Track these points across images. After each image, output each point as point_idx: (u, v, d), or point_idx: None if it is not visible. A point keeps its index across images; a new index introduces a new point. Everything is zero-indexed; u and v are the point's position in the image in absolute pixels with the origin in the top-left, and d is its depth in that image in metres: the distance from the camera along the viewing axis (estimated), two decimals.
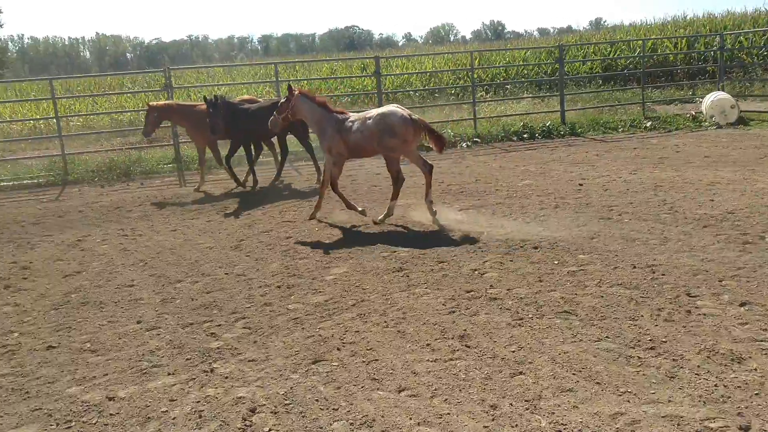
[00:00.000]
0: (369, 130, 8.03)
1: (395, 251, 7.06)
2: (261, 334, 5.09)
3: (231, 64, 40.76)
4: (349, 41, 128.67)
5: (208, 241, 8.07)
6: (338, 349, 4.73)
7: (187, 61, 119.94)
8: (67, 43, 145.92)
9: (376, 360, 4.50)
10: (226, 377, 4.40)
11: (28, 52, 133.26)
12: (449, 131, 15.73)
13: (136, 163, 14.11)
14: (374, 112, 8.25)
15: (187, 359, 4.72)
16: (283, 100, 8.59)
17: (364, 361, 4.49)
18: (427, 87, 24.51)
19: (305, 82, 25.27)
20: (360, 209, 8.64)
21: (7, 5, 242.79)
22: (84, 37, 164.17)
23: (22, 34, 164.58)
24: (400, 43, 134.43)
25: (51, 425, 3.93)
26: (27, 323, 5.69)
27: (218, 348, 4.89)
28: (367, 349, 4.68)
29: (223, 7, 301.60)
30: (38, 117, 22.29)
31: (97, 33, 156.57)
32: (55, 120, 14.87)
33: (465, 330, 4.89)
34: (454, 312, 5.27)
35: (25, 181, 13.57)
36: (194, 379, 4.41)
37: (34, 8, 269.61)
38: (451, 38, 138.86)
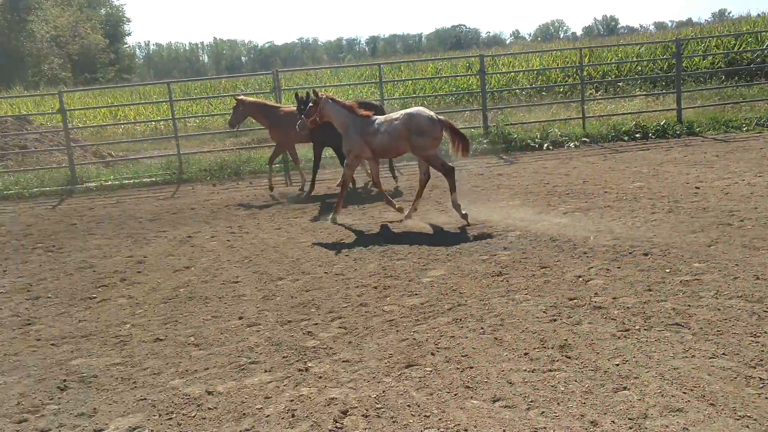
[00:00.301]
0: (397, 130, 8.31)
1: (495, 254, 6.89)
2: (356, 335, 5.10)
3: (337, 66, 41.63)
4: (456, 40, 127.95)
5: (310, 240, 8.21)
6: (432, 354, 4.65)
7: (297, 63, 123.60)
8: (187, 48, 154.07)
9: (471, 367, 4.38)
10: (320, 377, 4.43)
11: (153, 57, 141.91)
12: (556, 130, 15.24)
13: (246, 163, 14.63)
14: (400, 113, 8.54)
15: (284, 357, 4.80)
16: (311, 104, 8.89)
17: (458, 368, 4.39)
18: (534, 85, 23.91)
19: (410, 82, 25.34)
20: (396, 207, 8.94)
21: (135, 15, 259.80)
22: (203, 42, 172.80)
23: (148, 41, 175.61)
24: (508, 41, 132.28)
25: (154, 416, 4.10)
26: (138, 315, 6.00)
27: (314, 347, 4.93)
28: (462, 356, 4.57)
29: (332, 9, 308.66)
30: (159, 118, 23.63)
31: (215, 38, 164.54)
32: (172, 121, 15.67)
33: (566, 340, 4.67)
34: (555, 320, 5.05)
35: (144, 180, 14.39)
36: (289, 377, 4.47)
37: (159, 17, 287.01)
38: (561, 35, 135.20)
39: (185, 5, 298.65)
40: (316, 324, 5.39)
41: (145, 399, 4.32)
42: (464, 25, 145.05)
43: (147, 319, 5.86)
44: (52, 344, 5.42)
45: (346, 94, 26.53)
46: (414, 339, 4.92)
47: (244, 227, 9.29)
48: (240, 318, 5.69)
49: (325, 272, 6.81)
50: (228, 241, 8.57)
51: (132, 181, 14.36)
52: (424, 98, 23.33)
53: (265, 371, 4.59)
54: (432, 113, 8.40)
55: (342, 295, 6.06)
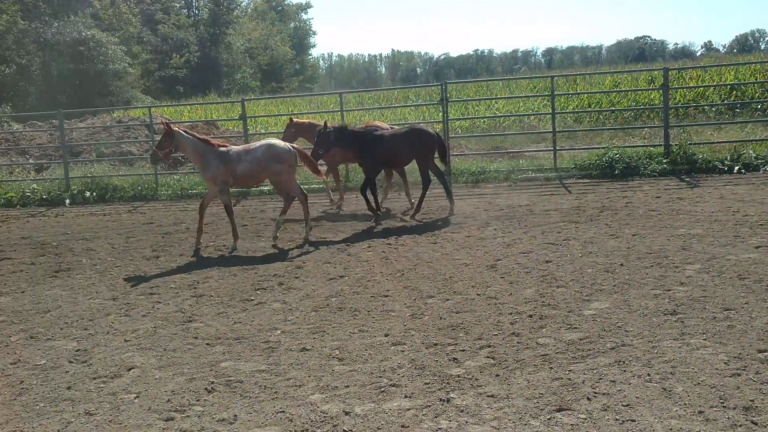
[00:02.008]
0: (258, 159, 9.14)
1: (669, 290, 6.16)
2: (505, 368, 4.73)
3: (509, 78, 40.92)
4: (639, 52, 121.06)
5: (465, 258, 7.92)
6: (588, 398, 4.17)
7: (471, 75, 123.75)
8: (366, 59, 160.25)
9: (633, 420, 3.86)
10: (462, 411, 4.13)
11: (334, 68, 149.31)
12: (750, 152, 13.64)
13: (409, 174, 14.57)
14: (258, 144, 9.43)
15: (426, 383, 4.55)
16: (162, 137, 9.24)
17: (617, 419, 3.88)
18: (726, 101, 21.78)
19: (585, 95, 24.19)
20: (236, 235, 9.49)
21: (321, 28, 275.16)
22: (381, 53, 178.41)
23: (331, 53, 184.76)
24: (698, 53, 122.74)
25: (290, 430, 4.03)
26: (290, 322, 6.06)
27: (458, 376, 4.64)
28: (623, 405, 4.05)
29: (509, 21, 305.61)
30: None
31: (393, 50, 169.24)
32: None
33: (752, 401, 3.98)
34: (739, 375, 4.34)
35: (313, 186, 14.87)
36: (429, 406, 4.22)
37: (342, 30, 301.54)
38: (762, 46, 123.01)
39: (367, 19, 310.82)
40: (463, 350, 5.10)
41: (283, 412, 4.27)
42: (649, 37, 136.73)
43: (297, 327, 5.90)
44: (207, 344, 5.61)
45: (518, 106, 25.94)
46: (569, 379, 4.46)
47: (400, 239, 9.21)
48: (386, 335, 5.54)
49: (478, 294, 6.49)
50: (383, 252, 8.52)
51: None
52: (599, 113, 22.15)
53: (405, 396, 4.38)
54: (287, 144, 9.49)
55: (494, 321, 5.70)
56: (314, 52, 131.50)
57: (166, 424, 4.20)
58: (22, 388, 4.93)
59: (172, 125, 9.42)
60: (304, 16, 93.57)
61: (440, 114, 24.62)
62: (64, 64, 40.68)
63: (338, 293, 6.83)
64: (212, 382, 4.78)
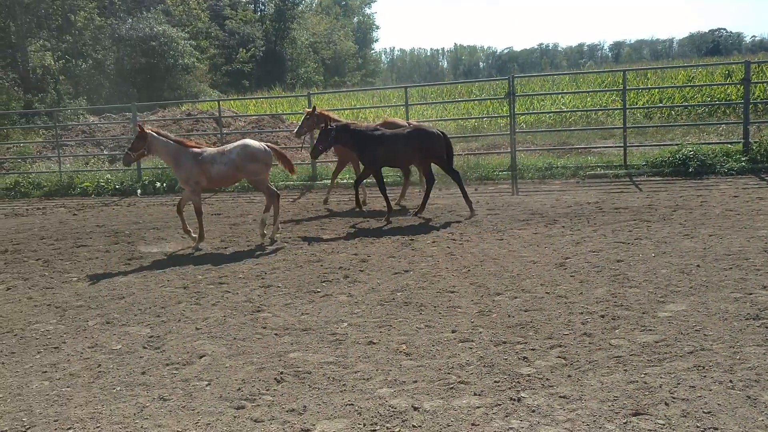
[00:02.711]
0: (233, 160, 9.18)
1: (751, 293, 5.88)
2: (577, 368, 4.60)
3: (576, 72, 39.97)
4: (713, 45, 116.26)
5: (533, 255, 7.77)
6: (666, 403, 4.01)
7: (535, 69, 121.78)
8: (428, 54, 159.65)
9: (715, 428, 3.69)
10: (533, 411, 4.04)
11: (396, 62, 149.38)
12: None
13: (474, 169, 14.49)
14: (232, 145, 9.45)
15: (495, 382, 4.47)
16: (135, 139, 9.32)
17: (698, 427, 3.72)
18: None
19: (656, 90, 23.41)
20: (194, 235, 9.49)
21: (384, 22, 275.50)
22: (443, 48, 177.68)
23: (393, 47, 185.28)
24: None
25: (359, 424, 4.02)
26: (356, 315, 6.07)
27: (529, 375, 4.55)
28: (704, 412, 3.88)
29: (575, 14, 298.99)
30: None
31: (455, 44, 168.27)
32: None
33: None
34: None
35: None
36: (499, 405, 4.14)
37: (405, 24, 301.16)
38: None
39: (430, 13, 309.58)
40: (533, 349, 4.99)
41: (352, 404, 4.27)
42: (724, 29, 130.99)
43: (363, 320, 5.90)
44: (276, 334, 5.67)
45: (585, 101, 25.33)
46: (645, 383, 4.30)
47: (465, 235, 9.11)
48: (453, 331, 5.48)
49: (547, 292, 6.34)
50: (448, 247, 8.44)
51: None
52: (671, 108, 21.40)
53: (475, 394, 4.31)
54: (262, 143, 9.47)
55: (564, 320, 5.57)
56: (377, 47, 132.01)
57: (237, 413, 4.26)
58: (100, 372, 5.09)
59: (145, 127, 9.30)
60: (368, 11, 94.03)
61: (504, 108, 24.32)
62: (137, 59, 41.96)
63: (404, 288, 6.80)
64: (281, 372, 4.83)
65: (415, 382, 4.56)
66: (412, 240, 8.98)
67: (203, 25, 54.45)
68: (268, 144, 9.68)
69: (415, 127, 10.76)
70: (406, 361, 4.94)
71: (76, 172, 17.30)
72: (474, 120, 24.00)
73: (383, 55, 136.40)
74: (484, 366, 4.75)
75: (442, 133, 10.68)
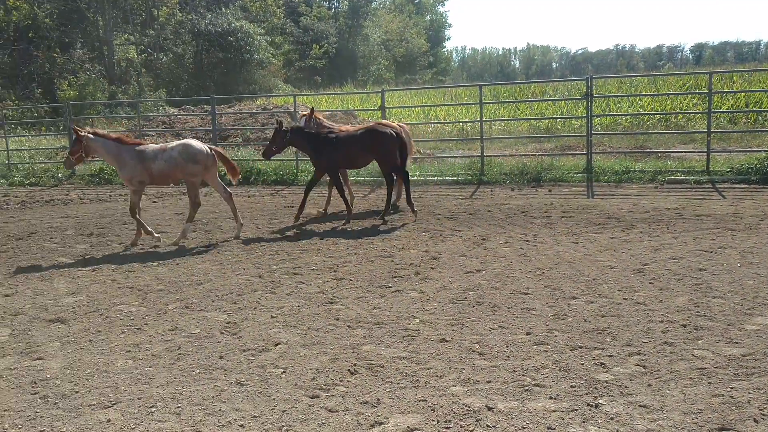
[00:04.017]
0: (174, 158, 9.02)
1: None
2: (657, 378, 4.46)
3: (656, 74, 38.72)
4: None
5: (609, 260, 7.57)
6: (755, 420, 3.84)
7: (610, 70, 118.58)
8: (500, 53, 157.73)
9: None
10: (612, 418, 3.94)
11: (467, 61, 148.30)
12: None
13: (547, 170, 14.26)
14: (175, 143, 9.30)
15: (572, 386, 4.39)
16: (72, 142, 9.18)
17: None
18: None
19: (742, 94, 22.42)
20: (156, 235, 9.42)
21: (456, 20, 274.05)
22: (516, 47, 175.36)
23: (464, 46, 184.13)
24: None
25: (432, 420, 4.02)
26: (427, 312, 6.06)
27: (606, 382, 4.43)
28: None
29: (654, 15, 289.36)
30: (466, 120, 24.38)
31: (528, 43, 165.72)
32: (479, 123, 15.94)
33: None
34: None
35: (447, 178, 14.88)
36: (576, 410, 4.06)
37: (477, 22, 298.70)
38: None
39: (503, 12, 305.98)
40: (611, 356, 4.86)
41: (425, 401, 4.27)
42: None
43: (435, 317, 5.89)
44: (348, 326, 5.73)
45: (664, 104, 24.51)
46: (731, 397, 4.13)
47: (539, 236, 8.96)
48: (527, 333, 5.40)
49: (625, 298, 6.17)
50: (521, 249, 8.33)
51: (436, 178, 14.94)
52: (758, 113, 20.47)
53: (550, 398, 4.24)
54: (205, 145, 9.36)
55: (643, 328, 5.40)
56: (448, 45, 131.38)
57: (312, 401, 4.33)
58: (180, 354, 5.26)
59: (79, 130, 9.09)
60: (441, 9, 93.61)
61: (579, 110, 23.79)
62: (214, 53, 43.16)
63: (476, 287, 6.75)
64: (355, 365, 4.87)
65: (489, 382, 4.52)
66: (483, 240, 8.89)
67: (278, 21, 55.52)
68: (212, 146, 9.58)
69: (367, 128, 10.62)
70: (480, 360, 4.90)
71: None
72: (547, 120, 23.59)
73: (454, 53, 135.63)
74: (560, 370, 4.66)
75: (396, 133, 10.46)
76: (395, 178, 10.82)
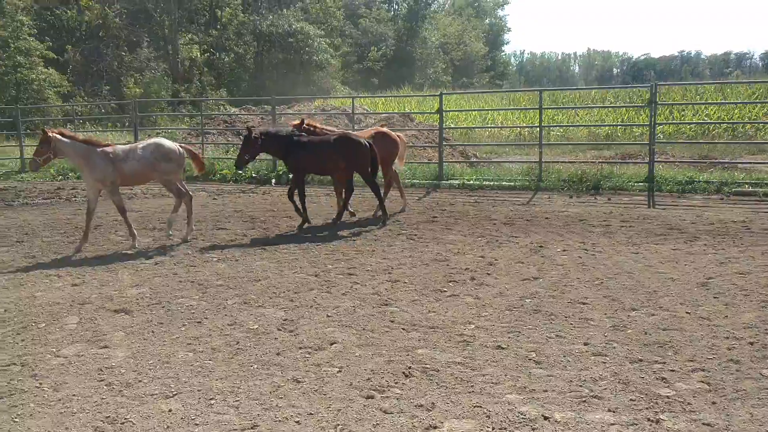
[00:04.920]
0: (146, 158, 9.12)
1: None
2: (722, 395, 4.32)
3: (724, 81, 37.42)
4: None
5: (672, 272, 7.37)
6: None
7: (674, 77, 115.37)
8: (559, 58, 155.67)
9: None
10: None
11: (525, 66, 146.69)
12: None
13: (607, 178, 13.98)
14: (145, 143, 9.39)
15: (631, 400, 4.29)
16: (39, 144, 8.94)
17: None
18: None
19: None
20: (138, 238, 9.42)
21: (515, 24, 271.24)
22: (575, 52, 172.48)
23: (523, 50, 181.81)
24: None
25: (487, 427, 4.00)
26: (483, 318, 6.02)
27: (668, 397, 4.32)
28: None
29: (721, 21, 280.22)
30: (523, 125, 24.14)
31: (588, 48, 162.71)
32: (538, 129, 15.76)
33: None
34: None
35: (503, 183, 14.74)
36: (636, 424, 3.97)
37: (536, 26, 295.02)
38: None
39: (563, 16, 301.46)
40: (673, 371, 4.74)
41: (480, 407, 4.25)
42: None
43: (491, 323, 5.85)
44: (403, 329, 5.74)
45: (731, 113, 23.73)
46: None
47: (597, 245, 8.79)
48: (585, 344, 5.31)
49: (687, 312, 6.00)
50: (579, 257, 8.19)
51: (492, 183, 14.82)
52: None
53: (609, 410, 4.16)
54: (175, 143, 9.51)
55: (707, 343, 5.24)
56: (506, 49, 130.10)
57: (367, 402, 4.36)
58: (238, 348, 5.37)
59: (48, 131, 8.90)
60: (501, 13, 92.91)
61: (641, 117, 23.25)
62: (274, 54, 43.91)
63: (533, 295, 6.67)
64: (409, 367, 4.88)
65: (545, 391, 4.46)
66: (541, 247, 8.78)
67: (338, 23, 56.06)
68: (182, 144, 9.72)
69: (341, 135, 10.63)
70: (536, 369, 4.84)
71: (216, 159, 18.34)
72: (607, 127, 23.14)
73: (512, 57, 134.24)
74: (619, 382, 4.57)
75: (369, 143, 10.47)
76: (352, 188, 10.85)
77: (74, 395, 4.57)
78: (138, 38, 42.37)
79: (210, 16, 46.45)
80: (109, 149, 9.08)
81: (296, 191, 10.50)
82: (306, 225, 10.46)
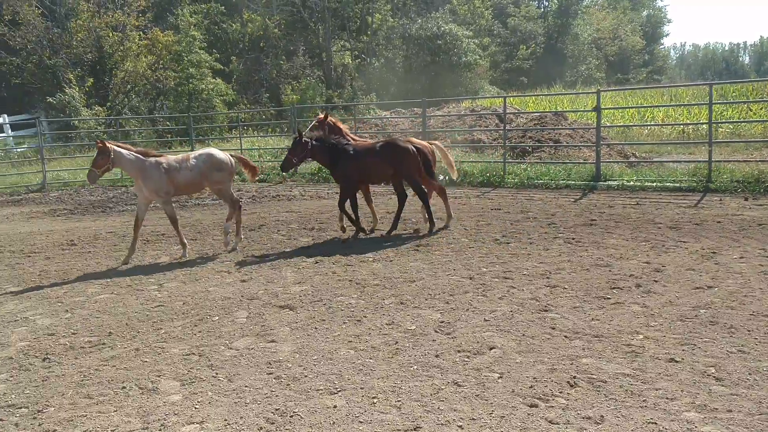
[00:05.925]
0: (199, 167, 9.27)
1: None
2: None
3: None
4: None
5: None
6: None
7: None
8: (726, 48, 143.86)
9: None
10: None
11: (686, 58, 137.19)
12: None
13: None
14: (197, 153, 9.53)
15: None
16: (96, 155, 8.97)
17: None
18: None
19: None
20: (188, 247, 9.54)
21: (676, 15, 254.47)
22: (746, 42, 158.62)
23: (684, 42, 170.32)
24: None
25: None
26: (652, 328, 5.65)
27: None
28: None
29: None
30: (688, 122, 22.52)
31: (761, 37, 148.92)
32: (705, 125, 14.61)
33: None
34: None
35: (667, 184, 13.82)
36: None
37: (700, 16, 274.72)
38: None
39: (731, 3, 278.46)
40: None
41: (654, 423, 3.97)
42: None
43: (662, 334, 5.47)
44: (565, 336, 5.52)
45: None
46: None
47: None
48: None
49: None
50: (761, 265, 7.46)
51: (654, 184, 13.94)
52: None
53: None
54: (227, 153, 9.65)
55: None
56: (666, 42, 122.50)
57: (531, 410, 4.23)
58: (397, 349, 5.43)
59: (107, 142, 9.01)
60: (659, 3, 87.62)
61: None
62: (423, 57, 44.27)
63: (708, 305, 6.16)
64: (574, 377, 4.68)
65: (730, 411, 4.09)
66: (714, 253, 8.11)
67: (486, 23, 55.55)
68: (233, 153, 9.82)
69: (387, 141, 10.07)
70: (717, 386, 4.46)
71: None
72: None
73: (672, 50, 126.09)
74: None
75: (417, 148, 9.87)
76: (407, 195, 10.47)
77: (246, 386, 4.83)
78: (294, 47, 44.51)
79: (361, 22, 47.80)
80: (162, 160, 9.27)
81: (347, 201, 10.18)
82: (361, 234, 10.30)
